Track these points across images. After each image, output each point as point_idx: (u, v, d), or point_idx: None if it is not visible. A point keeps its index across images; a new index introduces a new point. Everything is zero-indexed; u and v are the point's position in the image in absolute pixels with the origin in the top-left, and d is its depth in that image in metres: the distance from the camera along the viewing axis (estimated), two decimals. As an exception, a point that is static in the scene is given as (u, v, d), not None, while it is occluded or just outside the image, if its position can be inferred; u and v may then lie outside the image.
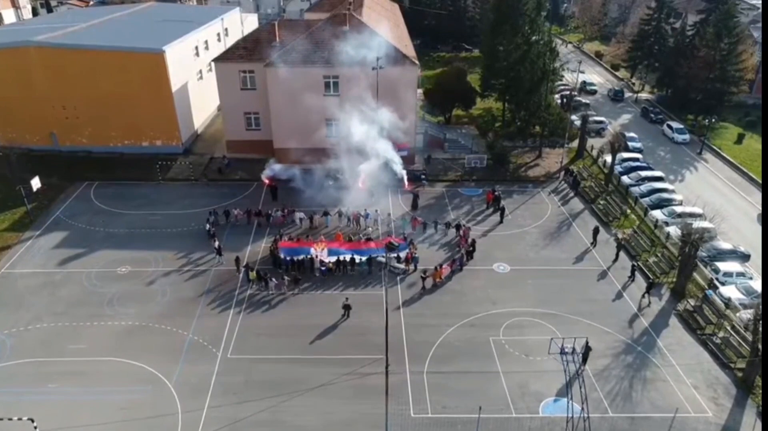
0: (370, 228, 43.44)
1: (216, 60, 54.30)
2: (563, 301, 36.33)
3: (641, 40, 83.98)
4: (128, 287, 37.02)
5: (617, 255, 41.22)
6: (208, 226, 41.87)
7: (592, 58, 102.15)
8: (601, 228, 43.70)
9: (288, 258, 38.91)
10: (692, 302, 36.02)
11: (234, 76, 53.82)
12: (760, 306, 29.04)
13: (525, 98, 57.11)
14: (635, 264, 39.29)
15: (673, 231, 43.28)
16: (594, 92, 79.72)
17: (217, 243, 39.54)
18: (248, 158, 53.40)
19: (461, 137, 62.03)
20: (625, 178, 53.15)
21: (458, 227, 43.34)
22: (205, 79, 63.19)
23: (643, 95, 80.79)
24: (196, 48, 61.36)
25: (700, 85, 67.30)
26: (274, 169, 47.10)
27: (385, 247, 27.66)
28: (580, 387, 26.80)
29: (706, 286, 37.71)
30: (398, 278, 38.25)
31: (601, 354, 31.75)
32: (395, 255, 38.81)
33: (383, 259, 29.99)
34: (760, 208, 48.62)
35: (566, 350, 27.05)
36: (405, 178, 47.78)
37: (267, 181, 47.99)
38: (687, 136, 64.00)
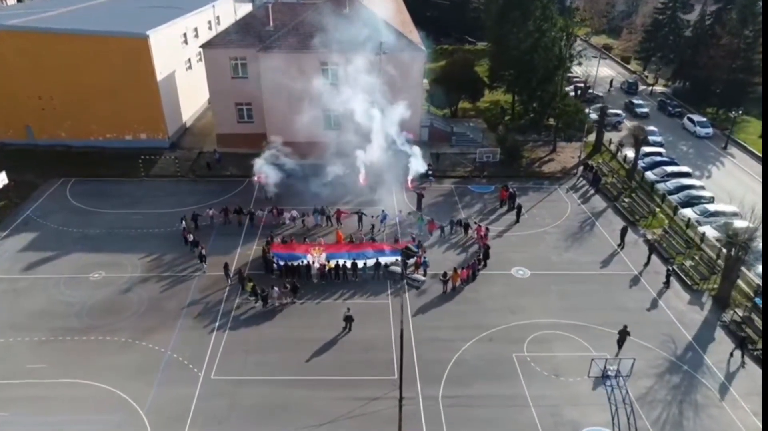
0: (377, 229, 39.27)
1: (204, 46, 50.00)
2: (592, 311, 32.14)
3: (655, 30, 79.90)
4: (100, 296, 32.74)
5: (649, 258, 37.03)
6: (191, 237, 37.27)
7: (601, 50, 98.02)
8: (629, 229, 39.42)
9: (281, 263, 34.59)
10: (740, 312, 31.80)
11: (224, 63, 49.58)
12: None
13: (539, 87, 52.78)
14: (671, 268, 35.04)
15: (709, 231, 39.11)
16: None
17: (203, 251, 35.14)
18: (240, 153, 48.98)
19: (469, 130, 57.81)
20: (649, 174, 49.00)
21: (467, 226, 39.15)
22: (195, 69, 58.85)
23: (657, 88, 76.63)
24: (185, 35, 57.02)
25: (722, 76, 63.19)
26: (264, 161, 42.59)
27: (402, 254, 22.90)
28: (628, 418, 22.56)
29: (752, 293, 33.49)
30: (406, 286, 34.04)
31: (643, 374, 27.49)
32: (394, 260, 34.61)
33: (397, 268, 25.66)
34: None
35: (609, 373, 22.84)
36: (410, 174, 43.74)
37: (258, 179, 43.69)
38: (710, 130, 59.92)
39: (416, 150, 42.07)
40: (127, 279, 34.19)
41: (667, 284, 34.56)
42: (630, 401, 23.48)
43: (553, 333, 30.44)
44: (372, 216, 39.43)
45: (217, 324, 30.73)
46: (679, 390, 27.18)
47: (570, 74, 63.59)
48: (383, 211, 39.81)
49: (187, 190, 45.43)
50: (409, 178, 43.56)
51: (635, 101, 67.54)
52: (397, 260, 34.32)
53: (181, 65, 55.75)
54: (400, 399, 23.37)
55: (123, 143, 52.07)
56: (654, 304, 33.19)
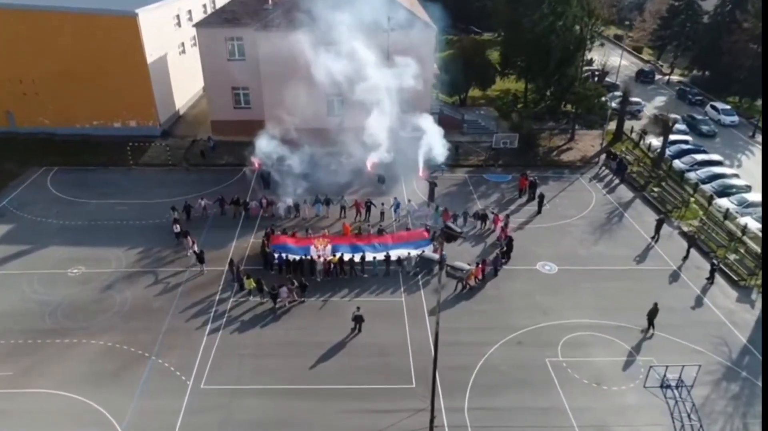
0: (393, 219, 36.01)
1: (198, 24, 46.46)
2: (631, 310, 28.59)
3: (671, 17, 76.30)
4: (79, 293, 29.16)
5: (688, 251, 33.52)
6: (177, 227, 33.77)
7: (612, 41, 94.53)
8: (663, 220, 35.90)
9: (283, 257, 31.01)
10: (797, 311, 28.32)
11: (219, 44, 46.06)
12: None
13: (556, 71, 49.10)
14: (716, 263, 31.50)
15: (751, 222, 35.64)
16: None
17: (195, 247, 31.55)
18: (237, 141, 45.33)
19: (480, 118, 54.35)
20: (677, 163, 45.50)
21: (484, 217, 35.66)
22: (189, 54, 55.15)
23: (674, 78, 73.14)
24: (178, 18, 53.39)
25: (747, 62, 59.65)
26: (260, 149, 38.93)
27: (442, 235, 18.21)
28: (694, 436, 19.06)
29: (808, 290, 29.96)
30: (420, 279, 30.60)
31: (698, 382, 23.68)
32: (420, 252, 31.20)
33: (434, 254, 21.99)
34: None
35: (670, 382, 19.34)
36: (421, 163, 40.23)
37: (257, 164, 40.12)
38: (735, 118, 56.52)
39: (432, 129, 38.16)
40: (109, 275, 30.61)
41: (711, 280, 31.05)
42: (698, 417, 19.91)
43: (589, 335, 26.91)
44: (382, 204, 35.93)
45: (209, 325, 27.16)
46: (740, 400, 23.65)
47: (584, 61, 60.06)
48: (395, 198, 36.38)
49: (178, 179, 41.86)
50: (421, 166, 39.94)
51: (698, 116, 55.89)
52: (422, 252, 31.03)
53: (173, 49, 52.14)
54: (432, 419, 19.81)
55: (111, 131, 48.50)
56: (699, 302, 29.68)
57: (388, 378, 24.17)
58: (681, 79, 72.83)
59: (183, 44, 54.51)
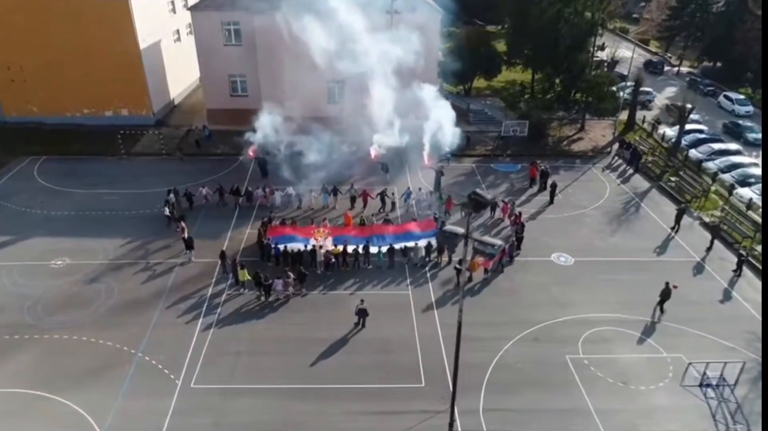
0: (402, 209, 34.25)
1: (193, 8, 44.40)
2: (652, 304, 26.60)
3: (681, 8, 74.30)
4: (61, 286, 27.18)
5: (711, 242, 31.55)
6: (166, 210, 31.92)
7: (618, 34, 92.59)
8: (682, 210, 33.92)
9: (280, 247, 29.02)
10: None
11: (215, 28, 44.06)
12: None
13: (567, 57, 47.02)
14: (744, 255, 29.52)
15: (777, 212, 33.60)
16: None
17: (185, 233, 29.62)
18: (233, 130, 43.27)
19: (487, 108, 52.42)
20: (693, 152, 43.49)
21: (494, 206, 33.73)
22: (185, 42, 53.17)
23: (683, 69, 71.18)
24: (172, 3, 51.36)
25: (760, 52, 57.56)
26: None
27: (470, 202, 15.49)
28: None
29: (842, 283, 28.01)
30: (427, 271, 28.65)
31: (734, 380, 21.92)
32: (427, 242, 29.27)
33: (458, 228, 19.92)
34: None
35: (711, 381, 17.37)
36: (427, 151, 38.22)
37: (252, 153, 38.12)
38: (750, 108, 54.53)
39: (442, 112, 36.06)
40: (95, 266, 28.61)
41: (738, 272, 29.10)
42: (745, 419, 17.93)
43: (611, 331, 24.92)
44: (393, 194, 34.11)
45: (201, 320, 25.16)
46: (781, 401, 21.61)
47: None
48: (408, 188, 34.76)
49: (172, 169, 39.87)
50: (426, 153, 37.92)
51: (743, 122, 49.16)
52: (429, 242, 29.14)
53: (168, 36, 50.18)
54: (451, 423, 17.81)
55: (102, 120, 46.50)
56: (727, 296, 27.69)
57: (394, 377, 22.19)
58: (690, 70, 70.92)
59: (178, 31, 52.56)
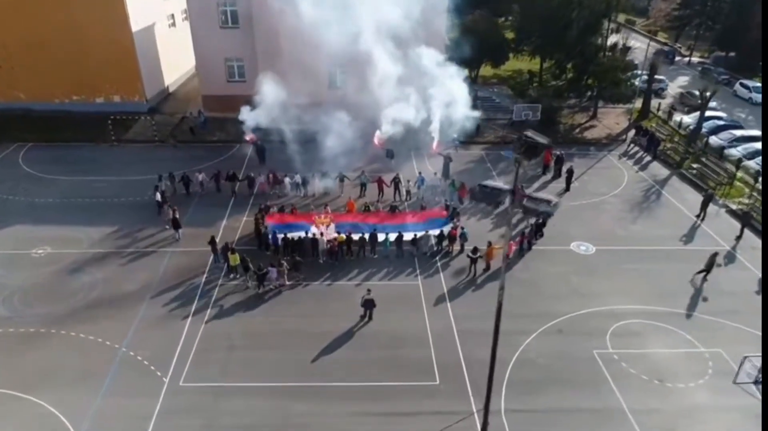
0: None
1: (187, -12, 42.24)
2: (686, 295, 24.62)
3: (692, -3, 72.23)
4: (41, 276, 25.06)
5: (742, 230, 29.45)
6: (158, 196, 29.86)
7: (625, 25, 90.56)
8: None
9: (280, 236, 26.89)
10: None
11: (211, 9, 41.89)
12: None
13: (580, 40, 44.83)
14: (777, 242, 27.49)
15: (808, 199, 31.49)
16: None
17: (171, 212, 27.56)
18: (230, 118, 41.04)
19: (494, 95, 50.31)
20: (713, 139, 41.36)
21: (513, 193, 31.55)
22: (180, 28, 51.00)
23: (694, 59, 69.12)
24: (166, -15, 49.27)
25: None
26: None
27: (521, 144, 12.54)
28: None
29: None
30: (438, 260, 26.54)
31: (780, 378, 19.80)
32: (438, 232, 27.17)
33: (501, 184, 17.66)
34: None
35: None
36: (435, 138, 36.08)
37: (250, 138, 35.96)
38: (769, 96, 52.22)
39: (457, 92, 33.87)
40: (79, 255, 26.48)
41: (772, 261, 26.99)
42: None
43: (641, 323, 22.81)
44: (408, 181, 32.12)
45: (192, 312, 23.03)
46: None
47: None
48: (420, 173, 32.64)
49: (165, 156, 37.71)
50: (435, 140, 35.74)
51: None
52: (441, 231, 27.06)
53: (162, 19, 48.07)
54: (485, 425, 15.71)
55: (93, 107, 44.37)
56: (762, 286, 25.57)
57: (406, 374, 20.07)
58: (702, 60, 68.87)
59: (173, 16, 50.45)
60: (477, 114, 43.46)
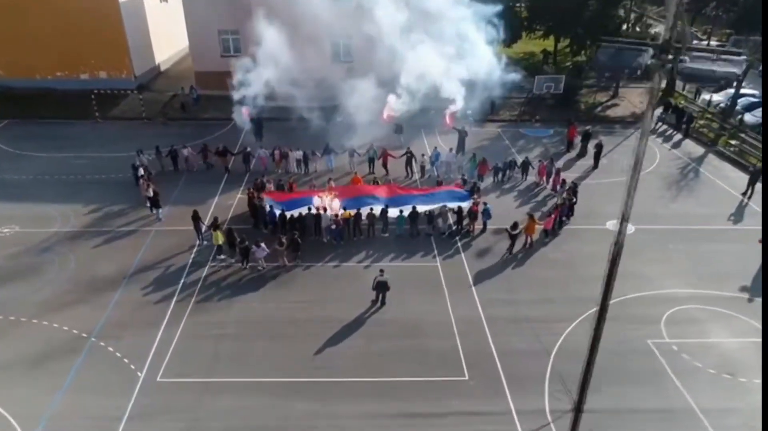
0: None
1: (178, -48, 39.03)
2: (745, 277, 21.44)
3: (709, -23, 69.06)
4: (6, 257, 21.84)
5: (795, 208, 26.31)
6: (141, 170, 26.66)
7: (635, 11, 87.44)
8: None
9: (278, 212, 23.65)
10: None
11: (203, -24, 38.65)
12: None
13: (604, 12, 41.57)
14: (842, 219, 24.30)
15: None
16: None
17: (151, 190, 24.35)
18: (224, 96, 37.69)
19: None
20: (748, 116, 38.28)
21: (526, 166, 28.58)
22: (173, 4, 47.66)
23: (712, 43, 66.04)
24: (157, -46, 46.07)
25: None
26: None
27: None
28: None
29: None
30: (458, 240, 23.35)
31: None
32: (455, 207, 23.99)
33: None
34: None
35: None
36: (448, 111, 32.98)
37: (246, 113, 32.79)
38: (799, 76, 49.05)
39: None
40: (49, 235, 23.28)
41: (836, 241, 23.78)
42: None
43: (699, 309, 19.64)
44: (423, 155, 29.24)
45: (175, 297, 19.81)
46: None
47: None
48: (436, 148, 29.68)
49: (153, 133, 34.39)
50: (448, 112, 32.58)
51: None
52: (460, 207, 23.94)
53: (152, -8, 44.87)
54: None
55: (78, 83, 41.06)
56: (830, 269, 22.38)
57: (428, 368, 16.87)
58: (720, 44, 65.84)
59: (164, -10, 47.22)
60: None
